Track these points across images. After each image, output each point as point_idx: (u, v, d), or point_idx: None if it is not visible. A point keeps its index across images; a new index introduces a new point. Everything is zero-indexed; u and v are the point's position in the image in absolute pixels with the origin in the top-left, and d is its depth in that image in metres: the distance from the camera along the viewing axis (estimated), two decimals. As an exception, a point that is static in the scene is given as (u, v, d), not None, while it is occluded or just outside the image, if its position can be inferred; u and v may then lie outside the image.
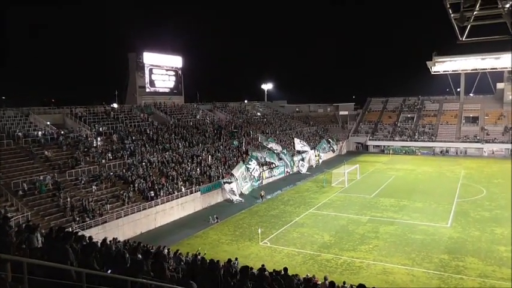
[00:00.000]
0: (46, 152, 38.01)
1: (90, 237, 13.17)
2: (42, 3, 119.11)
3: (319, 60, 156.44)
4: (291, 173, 60.36)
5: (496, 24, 12.46)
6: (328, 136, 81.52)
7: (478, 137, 76.93)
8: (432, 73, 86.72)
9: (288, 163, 59.50)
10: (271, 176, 56.04)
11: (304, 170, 61.33)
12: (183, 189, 40.71)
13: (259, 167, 52.41)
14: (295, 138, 67.79)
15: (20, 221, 26.30)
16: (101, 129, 47.28)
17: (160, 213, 37.54)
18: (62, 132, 43.26)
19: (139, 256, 9.83)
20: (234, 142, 59.42)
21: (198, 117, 66.00)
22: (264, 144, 57.42)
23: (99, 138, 44.36)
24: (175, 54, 72.50)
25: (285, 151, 59.91)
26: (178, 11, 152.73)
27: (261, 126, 73.51)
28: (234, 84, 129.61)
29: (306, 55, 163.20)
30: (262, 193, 45.35)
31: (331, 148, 73.46)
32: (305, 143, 66.83)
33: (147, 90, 66.85)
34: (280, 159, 58.24)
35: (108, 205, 34.09)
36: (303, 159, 63.24)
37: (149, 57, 66.70)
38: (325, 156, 73.65)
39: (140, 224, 35.31)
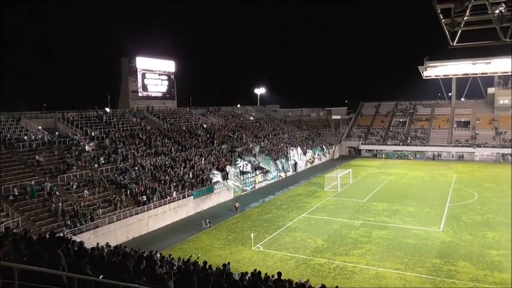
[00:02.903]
0: (37, 157, 37.74)
1: (82, 242, 13.07)
2: (34, 6, 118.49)
3: (311, 64, 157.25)
4: (284, 177, 60.40)
5: (487, 29, 12.59)
6: (322, 143, 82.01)
7: (469, 142, 77.48)
8: (424, 78, 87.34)
9: (281, 167, 59.51)
10: (264, 180, 56.03)
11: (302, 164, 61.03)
12: (174, 194, 40.59)
13: (252, 170, 52.58)
14: (298, 148, 67.32)
15: (10, 226, 26.08)
16: (93, 133, 47.07)
17: (153, 218, 37.37)
18: (54, 136, 43.00)
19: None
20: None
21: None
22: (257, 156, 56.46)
23: (91, 143, 44.14)
24: (168, 58, 72.49)
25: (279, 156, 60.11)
26: (171, 15, 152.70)
27: (254, 131, 73.53)
28: (226, 88, 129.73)
29: (298, 60, 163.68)
30: (237, 205, 42.67)
31: (324, 154, 76.04)
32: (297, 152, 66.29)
33: (140, 94, 66.74)
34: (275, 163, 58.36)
35: (100, 210, 33.89)
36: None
37: (142, 62, 66.63)
38: (318, 160, 73.83)
39: (132, 228, 35.13)
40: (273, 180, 57.87)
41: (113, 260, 11.68)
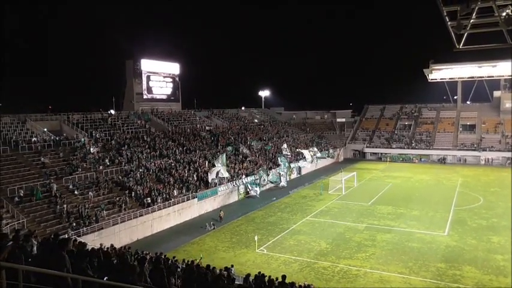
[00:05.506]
0: (43, 159, 37.90)
1: (84, 243, 13.05)
2: (38, 9, 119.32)
3: (316, 67, 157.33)
4: (287, 180, 60.19)
5: (493, 32, 12.52)
6: (325, 146, 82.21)
7: (475, 145, 77.11)
8: (429, 81, 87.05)
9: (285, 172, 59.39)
10: (268, 183, 55.84)
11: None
12: (175, 193, 40.74)
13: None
14: (284, 144, 67.37)
15: (15, 227, 26.17)
16: (98, 135, 47.23)
17: (157, 220, 37.41)
18: (59, 138, 43.17)
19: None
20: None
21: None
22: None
23: (96, 145, 44.28)
24: (173, 61, 72.62)
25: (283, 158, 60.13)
26: (175, 18, 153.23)
27: (258, 133, 73.56)
28: (231, 91, 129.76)
29: (303, 62, 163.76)
30: (221, 214, 40.87)
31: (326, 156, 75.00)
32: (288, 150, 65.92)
33: (145, 96, 66.90)
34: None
35: (104, 211, 33.95)
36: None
37: (146, 64, 66.81)
38: (322, 163, 73.75)
39: (137, 230, 35.16)
40: (277, 183, 57.67)
41: (115, 261, 11.69)
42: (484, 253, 29.43)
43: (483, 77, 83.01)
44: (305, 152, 67.13)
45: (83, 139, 44.66)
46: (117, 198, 36.59)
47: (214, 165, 46.83)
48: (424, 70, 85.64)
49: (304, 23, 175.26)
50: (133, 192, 38.23)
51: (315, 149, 70.81)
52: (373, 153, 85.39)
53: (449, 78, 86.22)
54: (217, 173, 46.06)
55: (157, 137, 53.19)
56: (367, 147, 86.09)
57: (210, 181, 45.16)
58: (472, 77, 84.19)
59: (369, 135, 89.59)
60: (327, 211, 42.54)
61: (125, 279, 7.72)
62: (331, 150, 79.61)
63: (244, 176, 51.04)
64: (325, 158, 74.69)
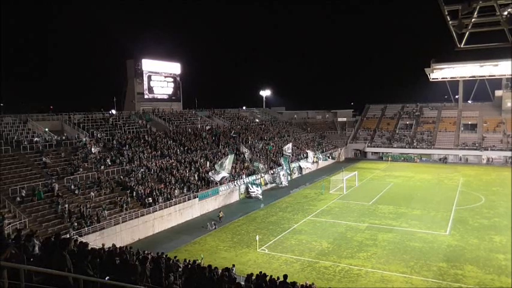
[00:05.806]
0: (44, 159, 37.94)
1: (86, 243, 13.06)
2: (39, 10, 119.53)
3: (317, 66, 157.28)
4: (289, 179, 60.19)
5: (495, 31, 12.49)
6: (324, 147, 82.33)
7: (476, 145, 77.01)
8: (430, 80, 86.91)
9: (286, 171, 59.39)
10: (269, 183, 55.83)
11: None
12: (176, 192, 40.79)
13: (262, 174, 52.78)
14: (289, 144, 67.55)
15: (17, 227, 26.20)
16: (99, 135, 47.27)
17: (158, 220, 37.42)
18: (60, 138, 43.21)
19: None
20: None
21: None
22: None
23: (97, 145, 44.31)
24: (174, 60, 72.60)
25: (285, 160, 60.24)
26: (176, 18, 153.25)
27: (259, 133, 73.54)
28: (232, 90, 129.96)
29: (304, 62, 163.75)
30: (221, 214, 40.47)
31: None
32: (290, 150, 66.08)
33: (146, 96, 66.91)
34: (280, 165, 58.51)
35: (106, 211, 33.96)
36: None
37: (148, 64, 66.79)
38: (323, 163, 73.76)
39: (138, 230, 35.18)
40: (278, 183, 57.62)
41: (118, 261, 11.69)
42: (485, 252, 29.39)
43: (485, 76, 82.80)
44: (310, 153, 67.68)
45: (84, 139, 44.70)
46: (119, 198, 36.62)
47: (215, 167, 46.66)
48: (425, 69, 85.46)
49: (305, 23, 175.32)
50: (134, 192, 38.26)
51: (320, 155, 71.54)
52: (374, 152, 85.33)
53: (451, 78, 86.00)
54: (222, 178, 46.20)
55: (158, 136, 53.22)
56: (368, 146, 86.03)
57: (208, 176, 45.21)
58: (474, 76, 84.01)
59: (370, 134, 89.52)
60: (328, 211, 42.53)
61: (127, 279, 7.73)
62: (333, 154, 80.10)
63: (244, 176, 51.02)
64: (326, 159, 75.28)
